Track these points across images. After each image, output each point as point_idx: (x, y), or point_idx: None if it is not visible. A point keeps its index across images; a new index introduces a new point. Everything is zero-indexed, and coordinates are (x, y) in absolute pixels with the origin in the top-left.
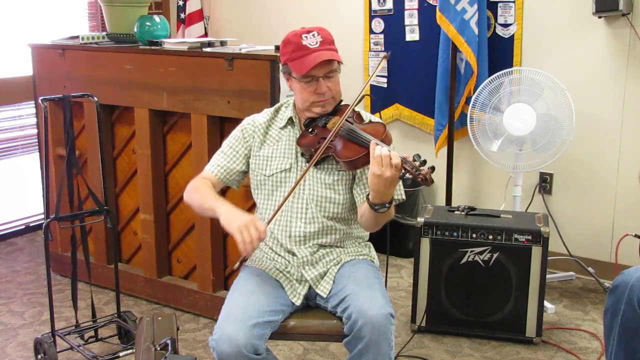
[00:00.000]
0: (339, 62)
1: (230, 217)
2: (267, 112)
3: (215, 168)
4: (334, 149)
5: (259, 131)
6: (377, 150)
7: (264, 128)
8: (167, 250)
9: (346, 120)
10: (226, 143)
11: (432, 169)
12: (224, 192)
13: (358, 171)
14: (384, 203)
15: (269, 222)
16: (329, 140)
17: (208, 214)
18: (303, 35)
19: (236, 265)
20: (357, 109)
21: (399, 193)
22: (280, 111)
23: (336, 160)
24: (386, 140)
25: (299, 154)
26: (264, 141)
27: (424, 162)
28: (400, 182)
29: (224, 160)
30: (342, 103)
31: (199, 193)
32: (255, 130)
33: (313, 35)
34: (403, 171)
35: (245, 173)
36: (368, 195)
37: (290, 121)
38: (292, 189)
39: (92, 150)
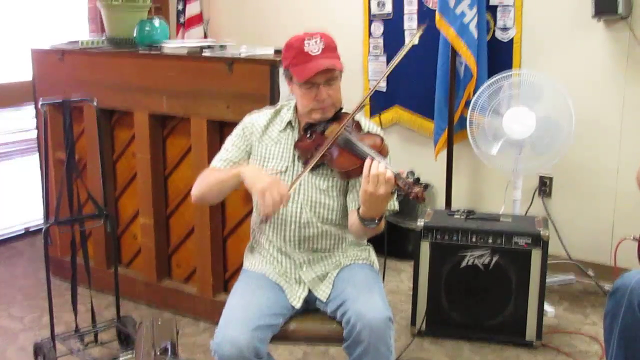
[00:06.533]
0: (340, 70)
1: (255, 178)
2: (267, 112)
3: (221, 162)
4: (330, 157)
5: (257, 132)
6: (373, 169)
7: (263, 129)
8: (166, 254)
9: (344, 129)
10: (228, 141)
11: (425, 187)
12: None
13: (352, 179)
14: (374, 219)
15: (292, 186)
16: (324, 148)
17: (229, 186)
18: (306, 42)
19: (260, 222)
20: (357, 116)
21: (392, 203)
22: (281, 113)
23: (330, 168)
24: (383, 152)
25: (296, 157)
26: (261, 141)
27: (417, 180)
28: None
29: (228, 155)
30: (343, 111)
31: (212, 176)
32: (254, 130)
33: (316, 41)
34: (395, 187)
35: None
36: (359, 209)
37: (290, 124)
38: (291, 185)
39: (92, 154)
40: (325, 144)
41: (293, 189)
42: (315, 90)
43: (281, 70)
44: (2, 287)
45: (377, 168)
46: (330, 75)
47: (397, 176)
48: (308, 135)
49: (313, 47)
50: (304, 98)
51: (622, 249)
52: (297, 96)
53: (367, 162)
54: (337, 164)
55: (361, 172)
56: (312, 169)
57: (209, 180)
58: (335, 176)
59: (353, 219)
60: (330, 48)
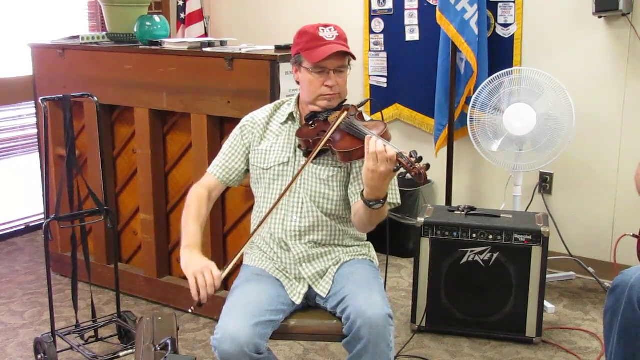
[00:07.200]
0: (352, 59)
1: (189, 260)
2: (267, 108)
3: (216, 169)
4: (332, 141)
5: (258, 127)
6: (372, 146)
7: (264, 124)
8: (167, 250)
9: (348, 116)
10: (226, 143)
11: (428, 166)
12: (224, 191)
13: (354, 171)
14: (379, 199)
15: (227, 268)
16: (329, 133)
17: None
18: (320, 28)
19: (190, 310)
20: (359, 109)
21: (395, 197)
22: (282, 108)
23: (332, 151)
24: (385, 137)
25: (297, 148)
26: (263, 136)
27: (420, 159)
28: (397, 186)
29: (224, 160)
30: (345, 103)
31: (187, 212)
32: (254, 126)
33: (330, 29)
34: (397, 165)
35: (247, 172)
36: (362, 192)
37: (291, 116)
38: (289, 185)
39: (92, 150)
40: (329, 128)
41: (225, 273)
42: (325, 76)
43: (282, 66)
44: (2, 283)
45: (377, 145)
46: (342, 64)
47: (399, 154)
48: (310, 123)
49: (328, 33)
50: (313, 84)
51: (622, 246)
52: (305, 82)
53: (367, 140)
54: (339, 146)
55: (363, 154)
56: (314, 158)
57: (184, 214)
58: (337, 161)
59: (357, 208)
60: (343, 38)
